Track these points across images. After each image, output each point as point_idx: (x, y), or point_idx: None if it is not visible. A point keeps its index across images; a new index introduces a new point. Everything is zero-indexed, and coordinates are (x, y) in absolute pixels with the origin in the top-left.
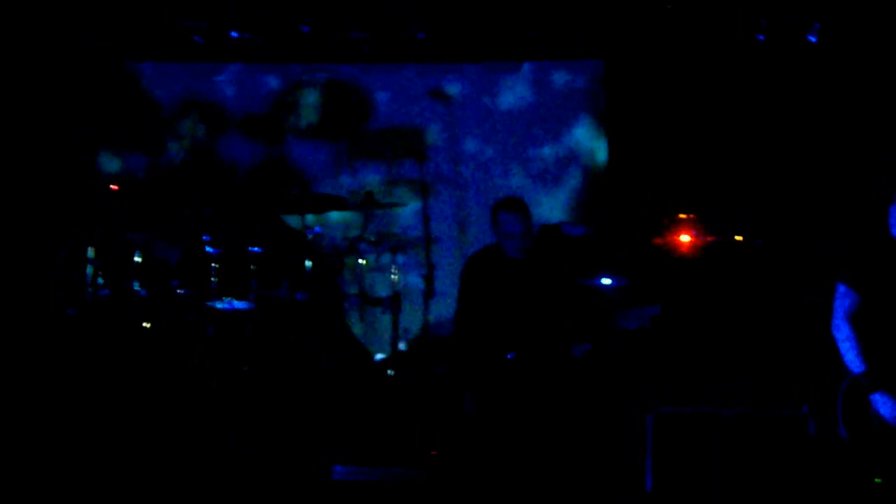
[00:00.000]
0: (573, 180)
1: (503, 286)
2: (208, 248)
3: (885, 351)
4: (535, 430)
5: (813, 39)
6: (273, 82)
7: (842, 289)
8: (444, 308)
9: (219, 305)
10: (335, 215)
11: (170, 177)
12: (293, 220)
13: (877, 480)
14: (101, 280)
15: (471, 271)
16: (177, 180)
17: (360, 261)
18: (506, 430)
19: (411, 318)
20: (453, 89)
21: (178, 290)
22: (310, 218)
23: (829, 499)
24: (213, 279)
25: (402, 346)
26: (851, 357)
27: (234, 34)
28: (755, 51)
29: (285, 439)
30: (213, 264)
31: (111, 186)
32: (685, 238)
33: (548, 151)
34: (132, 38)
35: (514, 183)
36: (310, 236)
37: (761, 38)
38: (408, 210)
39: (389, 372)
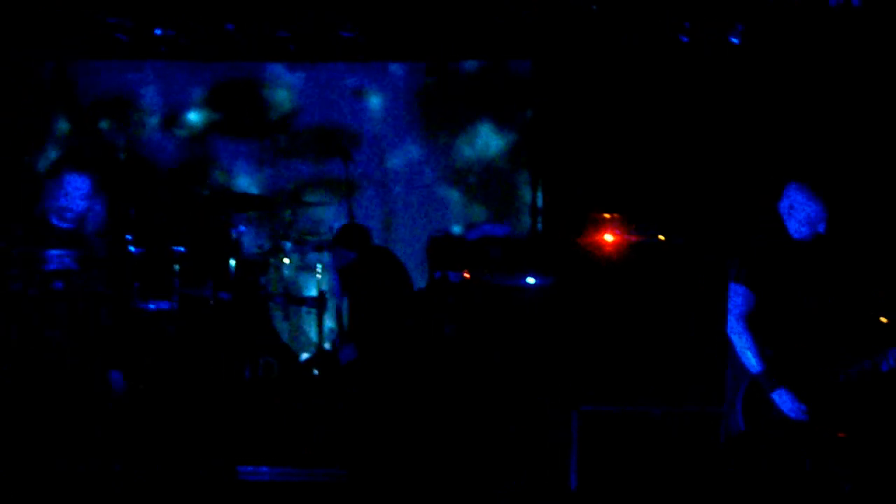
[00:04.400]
0: (498, 180)
1: None
2: (131, 248)
3: (784, 347)
4: (460, 428)
5: (735, 41)
6: (197, 80)
7: (739, 289)
8: None
9: (142, 306)
10: (260, 214)
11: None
12: (217, 220)
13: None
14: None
15: None
16: (99, 179)
17: (285, 260)
18: (431, 429)
19: (336, 318)
20: (378, 89)
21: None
22: (234, 217)
23: (750, 496)
24: (136, 279)
25: (327, 345)
26: (749, 357)
27: (158, 32)
28: (679, 52)
29: (211, 441)
30: (136, 264)
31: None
32: (609, 238)
33: (471, 151)
34: (54, 35)
35: (438, 182)
36: (234, 235)
37: (685, 39)
38: (333, 209)
39: (315, 372)
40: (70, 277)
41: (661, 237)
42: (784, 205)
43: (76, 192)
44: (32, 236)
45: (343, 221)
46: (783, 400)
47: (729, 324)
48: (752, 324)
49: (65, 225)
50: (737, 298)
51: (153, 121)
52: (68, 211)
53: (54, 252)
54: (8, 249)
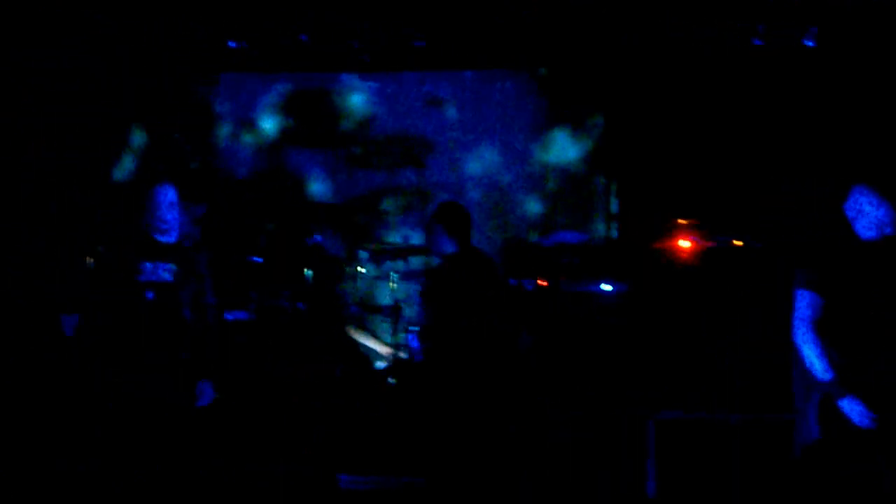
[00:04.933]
0: (574, 186)
1: None
2: None
3: (853, 352)
4: (536, 435)
5: (809, 44)
6: (271, 91)
7: (806, 294)
8: None
9: None
10: (335, 224)
11: None
12: (293, 229)
13: None
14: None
15: None
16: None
17: (360, 269)
18: (505, 437)
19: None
20: (452, 97)
21: None
22: (310, 226)
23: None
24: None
25: (402, 354)
26: (818, 365)
27: (232, 44)
28: (753, 55)
29: (288, 449)
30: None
31: None
32: (685, 243)
33: (547, 157)
34: (130, 47)
35: (514, 189)
36: (309, 245)
37: (759, 42)
38: (407, 218)
39: (390, 380)
40: (163, 290)
41: (737, 242)
42: (851, 207)
43: (165, 203)
44: (131, 248)
45: (419, 231)
46: (851, 408)
47: (796, 331)
48: (821, 330)
49: (164, 238)
50: (804, 303)
51: (227, 131)
52: (162, 222)
53: (149, 264)
54: (105, 259)
